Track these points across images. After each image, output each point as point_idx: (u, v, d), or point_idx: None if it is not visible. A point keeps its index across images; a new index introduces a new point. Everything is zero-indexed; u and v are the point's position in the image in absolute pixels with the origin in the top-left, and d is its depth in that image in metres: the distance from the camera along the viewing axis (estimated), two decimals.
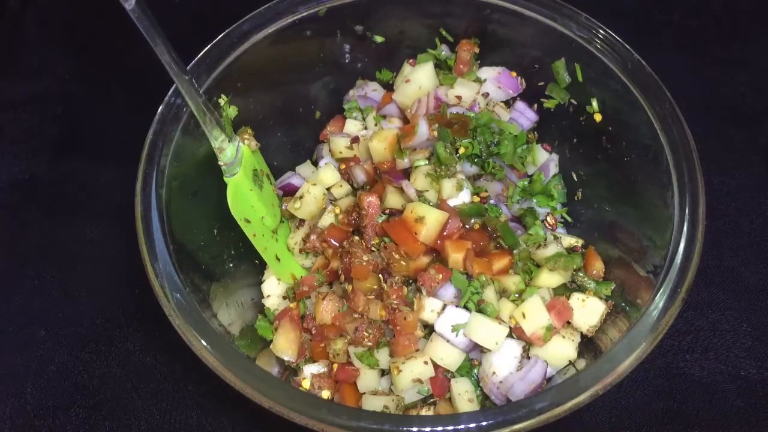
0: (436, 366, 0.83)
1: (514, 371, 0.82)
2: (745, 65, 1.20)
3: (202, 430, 0.93)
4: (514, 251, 0.90)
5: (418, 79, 0.98)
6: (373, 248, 0.88)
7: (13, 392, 0.95)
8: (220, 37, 0.88)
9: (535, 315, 0.83)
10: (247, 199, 0.87)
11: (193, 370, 0.92)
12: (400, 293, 0.85)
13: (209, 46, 0.87)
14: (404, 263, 0.86)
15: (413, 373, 0.81)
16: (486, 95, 0.98)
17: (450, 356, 0.82)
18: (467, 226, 0.89)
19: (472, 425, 0.65)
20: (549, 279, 0.88)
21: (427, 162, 0.91)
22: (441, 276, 0.84)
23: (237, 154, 0.85)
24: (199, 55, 0.86)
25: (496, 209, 0.91)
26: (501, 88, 0.99)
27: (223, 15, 0.92)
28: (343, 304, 0.87)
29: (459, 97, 0.97)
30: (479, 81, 0.99)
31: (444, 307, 0.84)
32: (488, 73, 1.00)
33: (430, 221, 0.85)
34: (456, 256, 0.85)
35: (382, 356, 0.85)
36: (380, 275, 0.87)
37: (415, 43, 1.03)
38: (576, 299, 0.86)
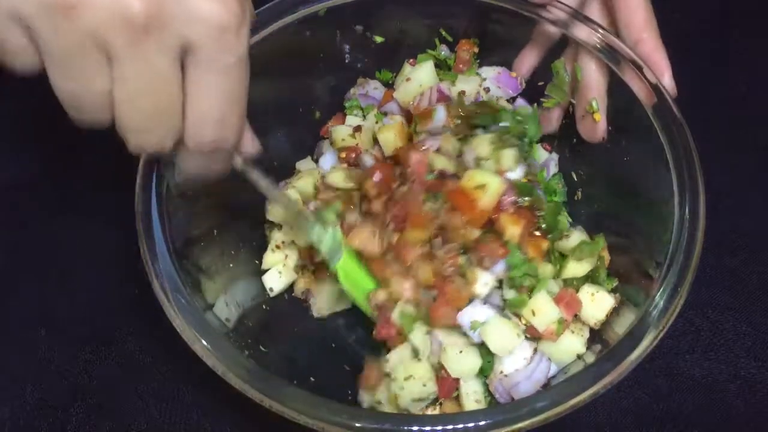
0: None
1: (521, 369, 0.82)
2: (745, 65, 1.20)
3: (202, 430, 0.93)
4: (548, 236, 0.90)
5: (419, 78, 0.98)
6: (428, 202, 0.87)
7: (13, 392, 0.95)
8: None
9: (544, 310, 0.82)
10: (358, 275, 0.86)
11: (193, 370, 0.92)
12: (456, 262, 0.84)
13: None
14: (463, 231, 0.85)
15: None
16: (487, 90, 0.98)
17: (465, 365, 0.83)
18: (518, 203, 0.89)
19: (472, 425, 0.65)
20: (577, 268, 0.88)
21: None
22: (502, 251, 0.83)
23: (334, 239, 0.84)
24: None
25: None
26: (501, 87, 0.99)
27: None
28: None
29: (463, 92, 0.96)
30: (480, 77, 0.99)
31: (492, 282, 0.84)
32: (488, 73, 1.00)
33: (492, 189, 0.84)
34: (513, 229, 0.84)
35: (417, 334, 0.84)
36: (434, 240, 0.86)
37: (415, 43, 1.03)
38: (585, 292, 0.86)
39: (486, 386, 0.85)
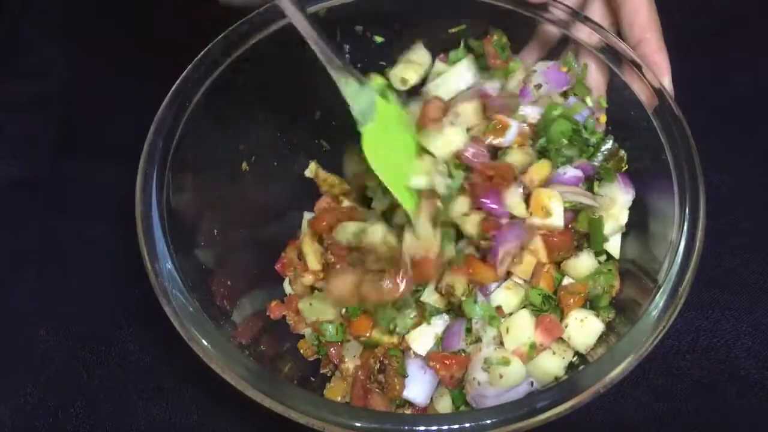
0: None
1: (494, 383, 0.80)
2: (745, 65, 1.20)
3: (202, 429, 0.93)
4: None
5: (459, 73, 0.96)
6: None
7: (13, 392, 0.95)
8: (219, 37, 0.88)
9: (518, 331, 0.81)
10: (389, 150, 0.82)
11: (193, 370, 0.92)
12: None
13: (209, 46, 0.87)
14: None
15: None
16: (539, 86, 0.93)
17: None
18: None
19: (473, 424, 0.65)
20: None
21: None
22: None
23: (369, 101, 0.81)
24: (198, 56, 0.86)
25: None
26: (548, 83, 0.94)
27: (223, 16, 0.92)
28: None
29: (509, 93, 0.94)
30: (525, 69, 0.96)
31: None
32: (540, 66, 0.96)
33: (551, 220, 0.84)
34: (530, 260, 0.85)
35: None
36: None
37: (416, 44, 1.03)
38: (574, 318, 0.83)
39: (461, 395, 0.84)
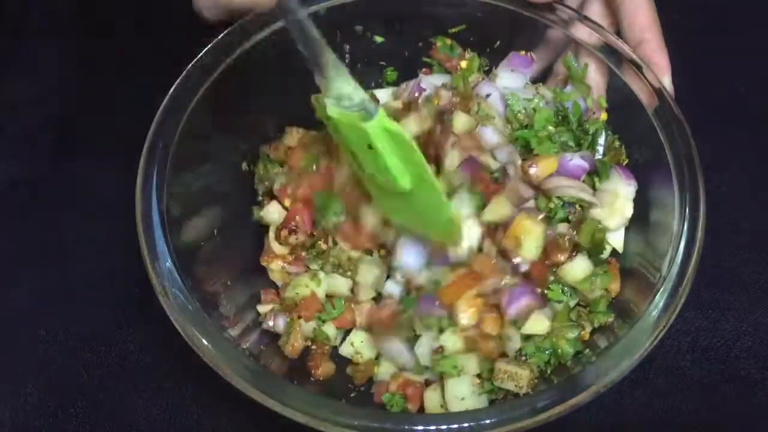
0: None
1: None
2: (745, 65, 1.20)
3: (202, 429, 0.93)
4: None
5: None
6: None
7: (13, 392, 0.95)
8: (219, 37, 0.88)
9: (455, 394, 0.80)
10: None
11: (193, 370, 0.92)
12: None
13: (208, 47, 0.87)
14: None
15: None
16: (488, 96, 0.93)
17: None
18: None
19: (473, 423, 0.65)
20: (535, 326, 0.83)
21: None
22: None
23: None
24: (198, 56, 0.86)
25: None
26: (515, 70, 0.95)
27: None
28: None
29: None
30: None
31: None
32: (500, 69, 0.97)
33: (528, 246, 0.80)
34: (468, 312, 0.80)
35: None
36: None
37: (416, 45, 1.03)
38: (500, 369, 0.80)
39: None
